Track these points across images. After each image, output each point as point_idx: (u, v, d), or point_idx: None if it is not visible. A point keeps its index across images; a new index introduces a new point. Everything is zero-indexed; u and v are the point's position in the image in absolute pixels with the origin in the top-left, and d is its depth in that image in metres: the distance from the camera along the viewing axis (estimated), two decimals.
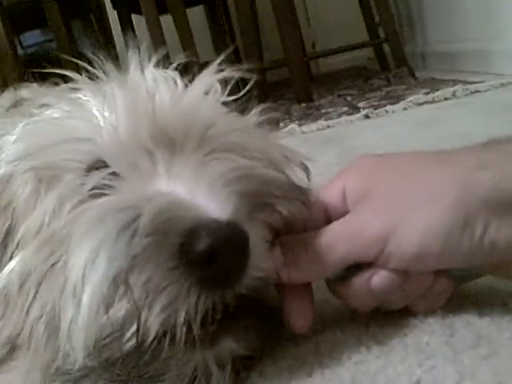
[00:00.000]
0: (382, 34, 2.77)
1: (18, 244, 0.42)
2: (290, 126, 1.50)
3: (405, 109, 1.46)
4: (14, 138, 0.46)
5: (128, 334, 0.34)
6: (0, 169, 0.45)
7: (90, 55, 0.47)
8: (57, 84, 0.75)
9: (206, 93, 0.46)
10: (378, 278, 0.40)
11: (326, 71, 3.48)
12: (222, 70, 0.48)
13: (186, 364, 0.36)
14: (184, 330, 0.34)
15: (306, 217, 0.42)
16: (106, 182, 0.40)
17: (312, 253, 0.40)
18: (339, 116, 1.58)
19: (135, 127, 0.42)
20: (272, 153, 0.47)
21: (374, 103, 1.68)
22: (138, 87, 0.44)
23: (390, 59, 2.72)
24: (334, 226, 0.41)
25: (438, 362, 0.36)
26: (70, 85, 0.50)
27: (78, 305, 0.34)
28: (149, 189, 0.38)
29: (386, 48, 2.77)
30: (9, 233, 0.43)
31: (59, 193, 0.42)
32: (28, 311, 0.39)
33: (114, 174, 0.41)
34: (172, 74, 0.48)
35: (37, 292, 0.39)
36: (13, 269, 0.40)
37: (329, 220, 0.43)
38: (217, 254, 0.33)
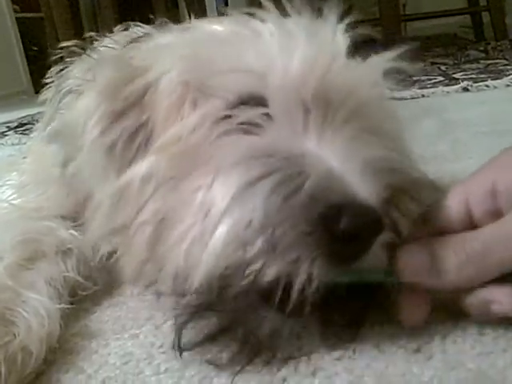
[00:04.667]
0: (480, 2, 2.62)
1: (152, 147, 0.42)
2: None
3: (508, 85, 1.38)
4: (177, 42, 0.45)
5: (247, 273, 0.35)
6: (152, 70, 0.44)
7: None
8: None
9: (375, 74, 0.45)
10: (499, 307, 0.36)
11: (413, 35, 3.32)
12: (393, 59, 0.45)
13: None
14: (297, 291, 0.34)
15: (443, 216, 0.39)
16: (258, 120, 0.40)
17: (463, 256, 0.36)
18: (434, 85, 1.50)
19: (304, 78, 0.40)
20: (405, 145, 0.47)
21: (473, 76, 1.59)
22: (323, 42, 0.43)
23: (486, 29, 2.57)
24: (490, 228, 0.37)
25: None
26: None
27: (210, 232, 0.35)
28: (299, 146, 0.38)
29: (484, 17, 2.62)
30: (141, 127, 0.43)
31: (205, 113, 0.41)
32: (140, 211, 0.40)
33: (266, 114, 0.40)
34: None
35: (153, 196, 0.40)
36: (141, 168, 0.41)
37: (471, 220, 0.39)
38: (356, 237, 0.34)
